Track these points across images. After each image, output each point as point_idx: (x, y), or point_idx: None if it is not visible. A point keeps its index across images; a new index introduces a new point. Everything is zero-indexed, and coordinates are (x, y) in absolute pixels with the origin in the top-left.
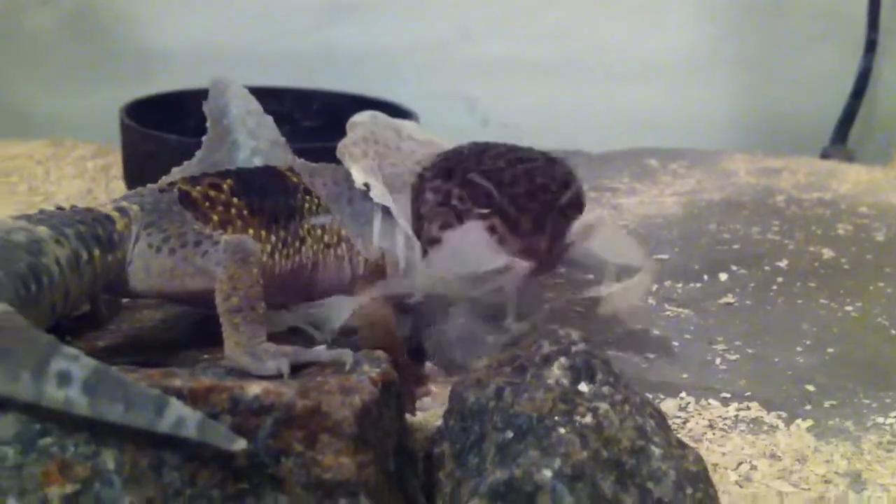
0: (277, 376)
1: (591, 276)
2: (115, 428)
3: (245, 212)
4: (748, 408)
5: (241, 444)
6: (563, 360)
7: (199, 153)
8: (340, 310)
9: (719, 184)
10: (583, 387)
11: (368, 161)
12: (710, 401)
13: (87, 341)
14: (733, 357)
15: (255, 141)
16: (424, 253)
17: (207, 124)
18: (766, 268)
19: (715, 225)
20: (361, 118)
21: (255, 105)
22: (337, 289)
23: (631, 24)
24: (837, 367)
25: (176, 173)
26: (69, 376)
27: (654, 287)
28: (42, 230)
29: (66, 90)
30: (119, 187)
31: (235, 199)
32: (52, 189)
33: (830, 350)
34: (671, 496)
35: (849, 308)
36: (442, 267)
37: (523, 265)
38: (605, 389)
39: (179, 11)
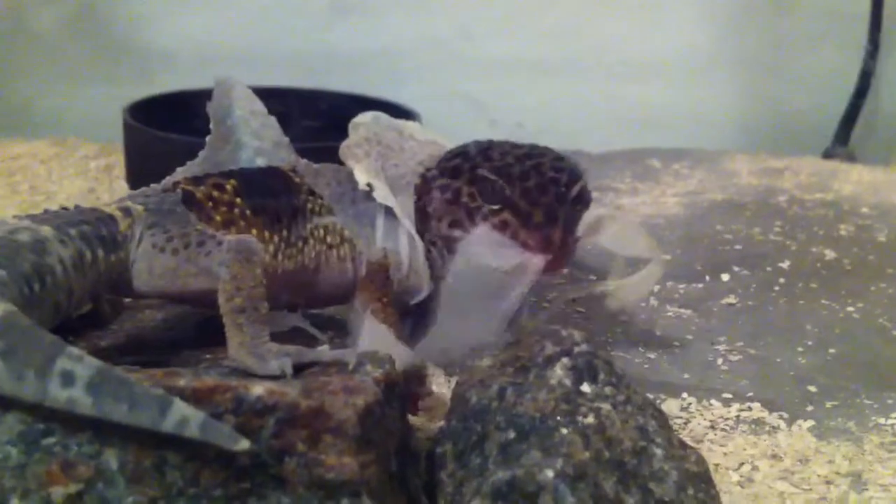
0: (280, 376)
1: (592, 278)
2: (118, 428)
3: (248, 212)
4: (750, 408)
5: (244, 445)
6: (565, 360)
7: (202, 153)
8: (372, 338)
9: (721, 184)
10: (585, 387)
11: (371, 162)
12: (712, 401)
13: (89, 341)
14: (735, 358)
15: (258, 141)
16: (428, 252)
17: (211, 124)
18: (768, 268)
19: (717, 225)
20: (364, 119)
21: (259, 105)
22: (340, 289)
23: (632, 24)
24: (839, 368)
25: (180, 173)
26: (73, 376)
27: (657, 288)
28: (46, 230)
29: (69, 89)
30: (121, 187)
31: (239, 200)
32: (54, 188)
33: (832, 351)
34: (673, 496)
35: (850, 309)
36: (459, 282)
37: (537, 262)
38: (608, 390)
39: (181, 11)
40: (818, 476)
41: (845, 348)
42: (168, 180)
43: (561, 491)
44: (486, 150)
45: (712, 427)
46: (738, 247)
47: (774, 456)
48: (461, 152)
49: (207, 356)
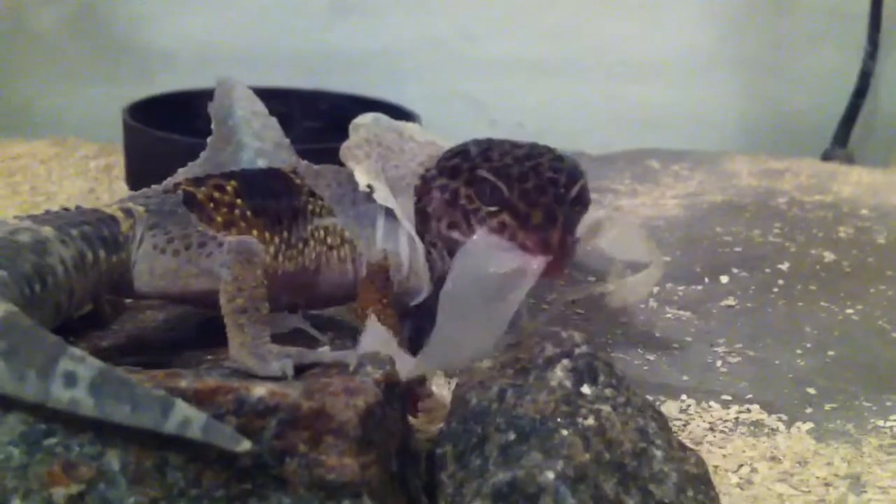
0: (282, 377)
1: (592, 279)
2: (119, 428)
3: (249, 213)
4: (749, 410)
5: (245, 446)
6: (565, 362)
7: (203, 154)
8: (374, 342)
9: (721, 186)
10: (585, 389)
11: (371, 163)
12: (711, 403)
13: (90, 342)
14: (734, 359)
15: (259, 142)
16: (428, 254)
17: (212, 125)
18: (768, 270)
19: (716, 227)
20: (364, 120)
21: (260, 106)
22: (340, 290)
23: (632, 24)
24: (838, 370)
25: (180, 174)
26: (76, 377)
27: (656, 289)
28: (47, 230)
29: (69, 89)
30: (121, 187)
31: (240, 201)
32: (54, 189)
33: (831, 353)
34: (673, 498)
35: (850, 311)
36: (458, 287)
37: (536, 266)
38: (608, 392)
39: (181, 11)
40: (817, 478)
41: (844, 350)
42: (169, 181)
43: (561, 492)
44: (486, 150)
45: (711, 429)
46: (737, 249)
47: (773, 458)
48: (461, 151)
49: (209, 357)
